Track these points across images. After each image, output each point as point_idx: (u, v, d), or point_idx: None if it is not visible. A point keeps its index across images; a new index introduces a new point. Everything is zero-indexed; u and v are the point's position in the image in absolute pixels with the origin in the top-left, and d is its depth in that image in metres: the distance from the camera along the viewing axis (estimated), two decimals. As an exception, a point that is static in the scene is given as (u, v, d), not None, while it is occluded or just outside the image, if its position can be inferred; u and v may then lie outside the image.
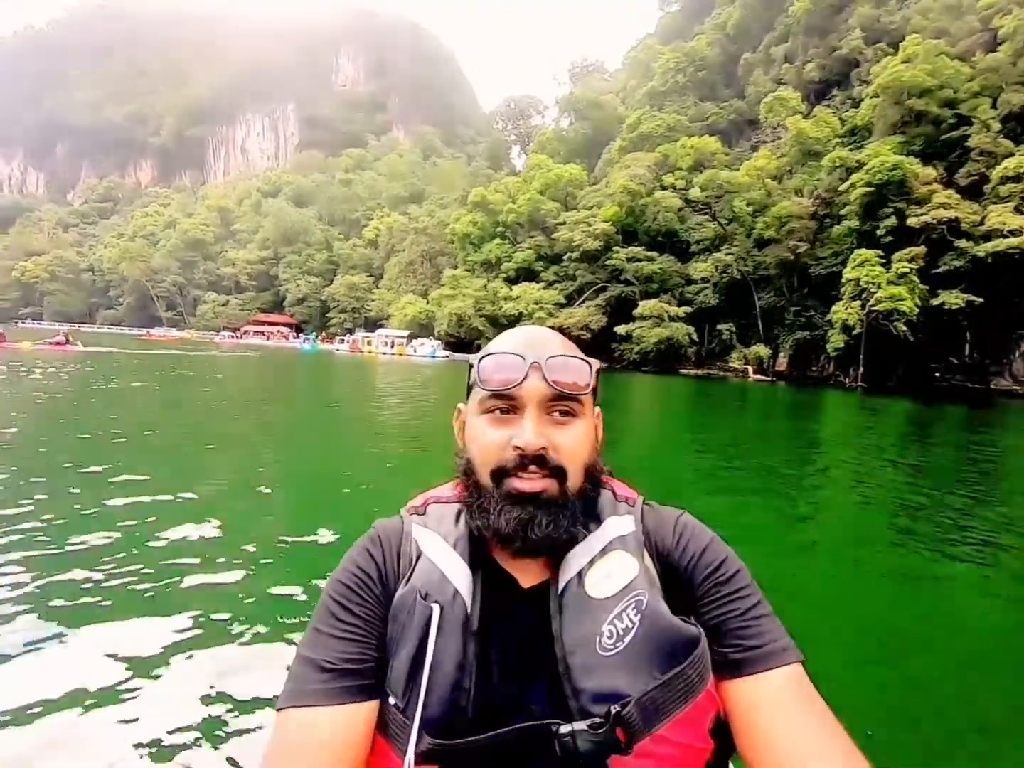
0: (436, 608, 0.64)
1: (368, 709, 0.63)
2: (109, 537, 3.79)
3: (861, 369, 42.27)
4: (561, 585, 0.67)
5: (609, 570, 0.67)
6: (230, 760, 1.92)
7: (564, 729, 0.60)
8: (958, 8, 49.98)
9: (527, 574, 0.70)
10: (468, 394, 0.75)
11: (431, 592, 0.65)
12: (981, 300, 37.10)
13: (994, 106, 41.81)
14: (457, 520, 0.73)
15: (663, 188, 53.30)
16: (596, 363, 0.71)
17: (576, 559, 0.68)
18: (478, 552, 0.70)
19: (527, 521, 0.64)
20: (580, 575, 0.67)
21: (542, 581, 0.70)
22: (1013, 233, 35.48)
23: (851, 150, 45.18)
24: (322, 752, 0.59)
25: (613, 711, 0.59)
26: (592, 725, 0.60)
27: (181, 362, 25.77)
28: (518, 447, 0.65)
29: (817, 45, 60.72)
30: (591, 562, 0.68)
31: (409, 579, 0.68)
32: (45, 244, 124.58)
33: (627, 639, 0.62)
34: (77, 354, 25.34)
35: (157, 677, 2.33)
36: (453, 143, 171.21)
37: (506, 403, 0.68)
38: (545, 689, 0.64)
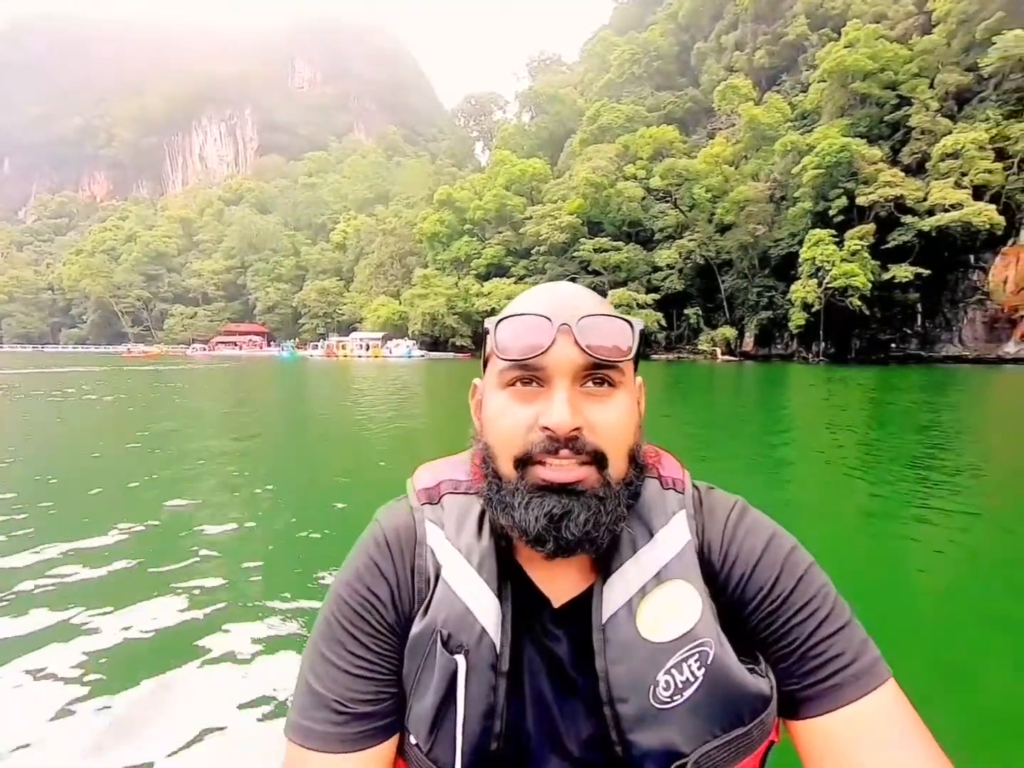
0: (462, 660, 0.56)
1: (386, 748, 0.58)
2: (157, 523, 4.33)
3: (822, 344, 44.12)
4: (606, 615, 0.57)
5: (667, 605, 0.57)
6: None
7: None
8: (895, -8, 52.01)
9: (561, 588, 0.61)
10: (484, 367, 0.64)
11: (453, 633, 0.57)
12: (929, 272, 39.06)
13: (932, 86, 43.82)
14: (480, 524, 0.62)
15: (625, 179, 54.39)
16: (639, 323, 0.59)
17: (624, 583, 0.58)
18: (504, 567, 0.60)
19: (561, 517, 0.54)
20: (630, 606, 0.57)
21: (578, 595, 0.60)
22: (954, 207, 37.40)
23: (802, 134, 46.87)
24: None
25: None
26: None
27: (176, 377, 25.98)
28: (547, 427, 0.54)
29: (765, 32, 62.49)
30: (643, 590, 0.57)
31: (427, 610, 0.58)
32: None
33: (687, 693, 0.54)
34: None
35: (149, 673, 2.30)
36: (416, 142, 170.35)
37: (530, 374, 0.57)
38: (584, 726, 0.58)
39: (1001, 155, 38.91)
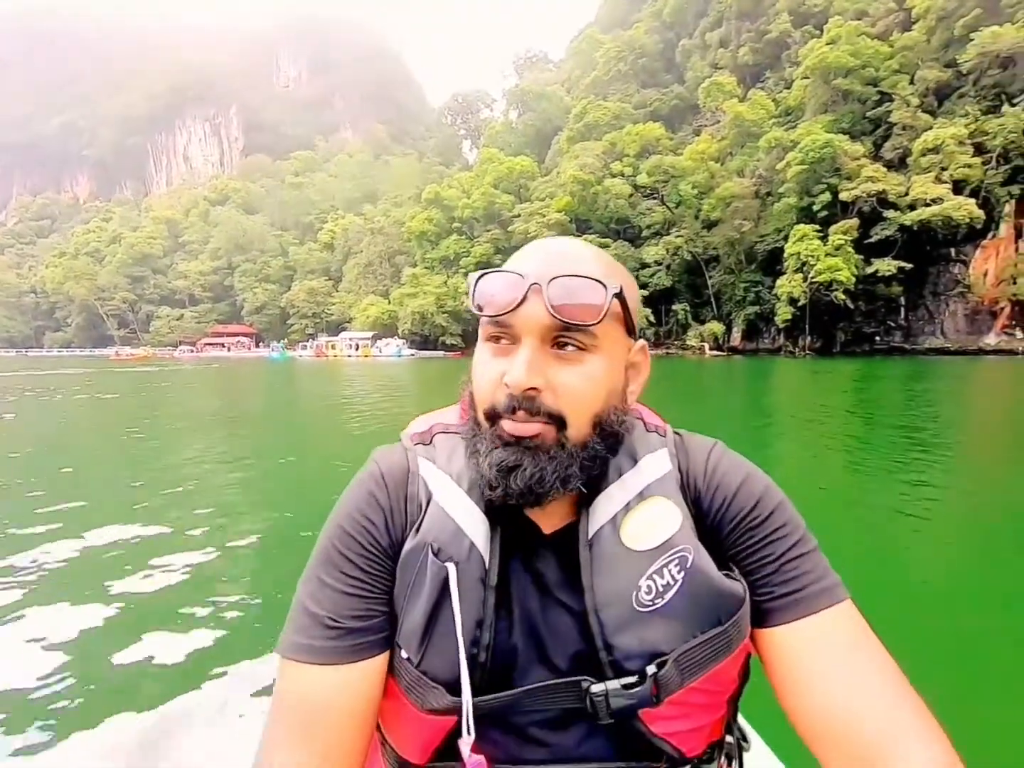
0: (452, 567, 0.59)
1: (379, 662, 0.60)
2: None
3: (808, 338, 44.70)
4: (591, 531, 0.61)
5: (649, 519, 0.60)
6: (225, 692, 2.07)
7: (597, 688, 0.57)
8: (876, -11, 52.63)
9: (549, 517, 0.63)
10: (478, 318, 0.64)
11: (444, 547, 0.60)
12: (911, 266, 39.71)
13: (912, 82, 44.49)
14: (468, 456, 0.64)
15: (612, 176, 54.68)
16: (615, 286, 0.56)
17: (609, 502, 0.61)
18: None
19: (511, 468, 0.56)
20: (614, 521, 0.60)
21: (566, 524, 0.63)
22: (935, 201, 38.03)
23: (786, 130, 47.37)
24: (332, 710, 0.58)
25: (650, 671, 0.57)
26: (627, 685, 0.57)
27: (170, 377, 26.07)
28: (507, 385, 0.56)
29: (749, 29, 63.00)
30: (627, 506, 0.61)
31: (419, 529, 0.61)
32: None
33: (667, 596, 0.58)
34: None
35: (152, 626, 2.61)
36: (403, 140, 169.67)
37: (501, 331, 0.58)
38: (571, 643, 0.60)
39: (980, 150, 39.64)
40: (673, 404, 12.95)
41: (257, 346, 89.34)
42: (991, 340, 41.12)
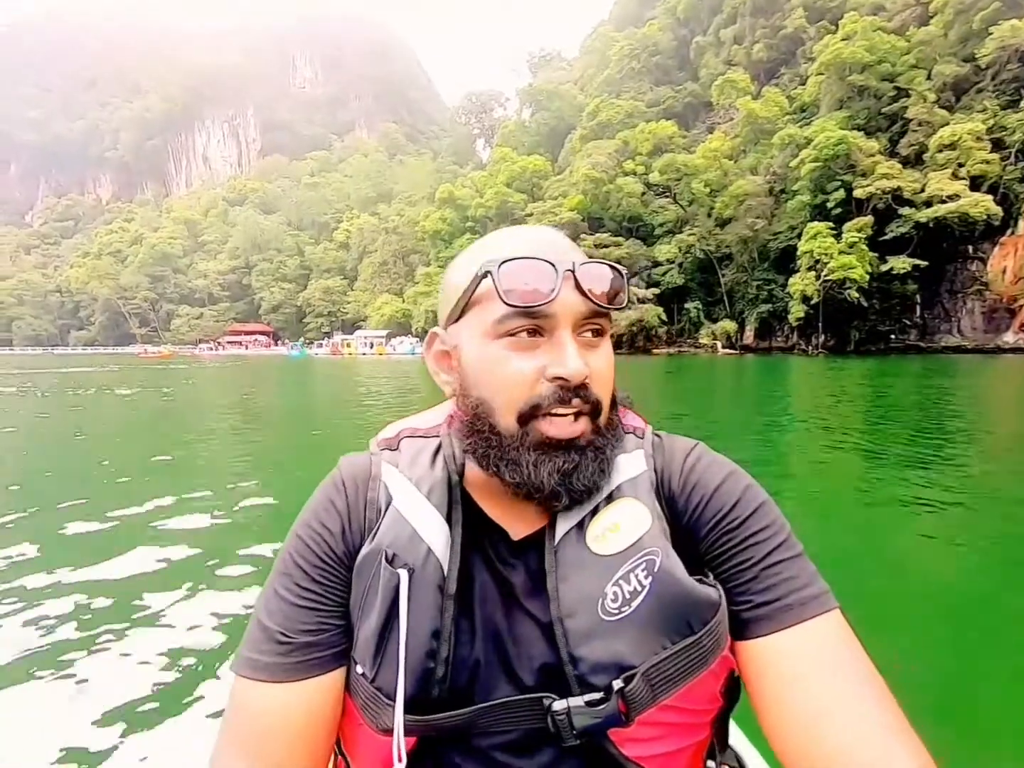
0: (404, 574, 0.55)
1: (331, 679, 0.57)
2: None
3: (821, 336, 44.48)
4: (558, 536, 0.57)
5: (616, 521, 0.56)
6: (182, 716, 1.98)
7: (559, 705, 0.53)
8: (893, -17, 52.04)
9: (519, 523, 0.60)
10: (461, 313, 0.58)
11: (399, 552, 0.56)
12: (927, 264, 39.34)
13: (929, 77, 43.98)
14: (434, 459, 0.61)
15: (625, 174, 54.77)
16: (623, 270, 0.57)
17: (577, 506, 0.57)
18: (459, 499, 0.59)
19: (571, 472, 0.53)
20: (581, 525, 0.57)
21: (536, 531, 0.59)
22: (951, 198, 37.65)
23: (800, 126, 47.10)
24: (281, 729, 0.55)
25: (616, 686, 0.52)
26: (591, 702, 0.53)
27: (204, 373, 27.44)
28: (560, 377, 0.52)
29: (764, 25, 62.56)
30: (595, 510, 0.57)
31: (375, 535, 0.58)
32: (8, 268, 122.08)
33: (635, 603, 0.53)
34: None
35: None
36: (417, 140, 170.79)
37: (534, 323, 0.53)
38: (536, 653, 0.56)
39: (998, 145, 39.12)
40: (681, 400, 13.31)
41: (276, 344, 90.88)
42: (1009, 338, 40.57)
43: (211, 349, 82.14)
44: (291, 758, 0.55)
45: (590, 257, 0.56)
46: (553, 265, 0.53)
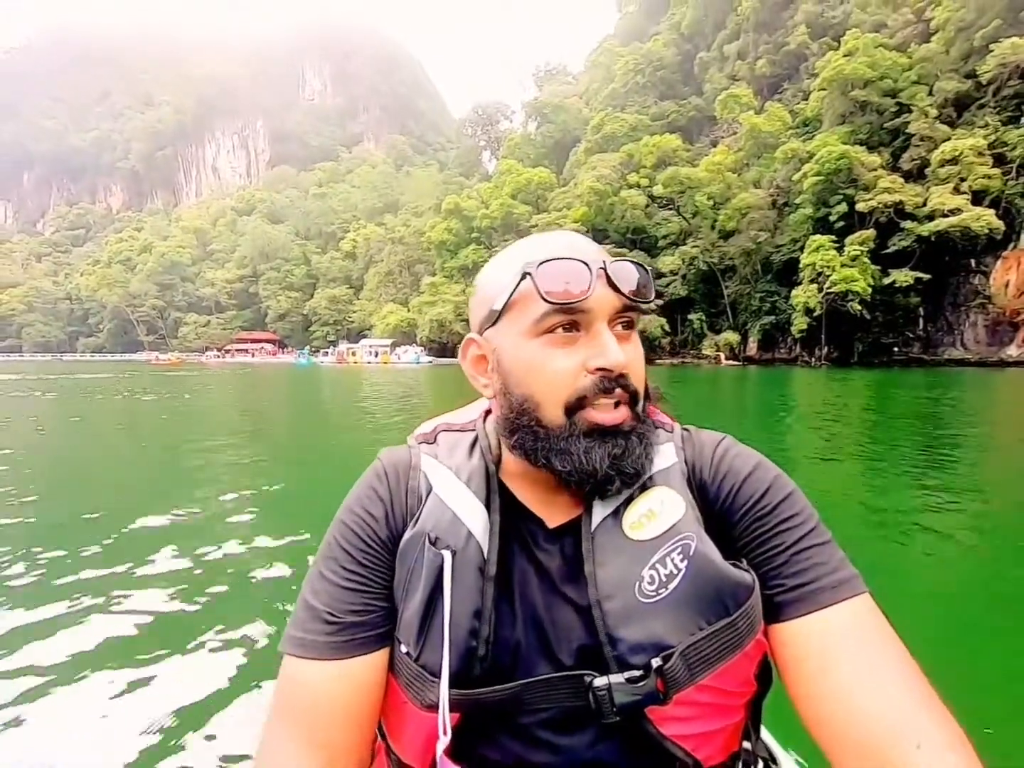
0: (448, 555, 0.57)
1: (377, 657, 0.60)
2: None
3: (824, 348, 44.62)
4: (595, 523, 0.59)
5: (651, 508, 0.59)
6: (232, 702, 2.03)
7: (599, 682, 0.55)
8: (894, 1, 52.70)
9: (555, 512, 0.62)
10: (498, 317, 0.60)
11: (441, 536, 0.59)
12: (929, 277, 39.53)
13: (931, 93, 44.40)
14: (472, 450, 0.65)
15: (629, 187, 55.32)
16: (648, 267, 0.60)
17: (611, 494, 0.59)
18: (496, 488, 0.62)
19: (621, 456, 0.56)
20: (616, 513, 0.59)
21: (572, 519, 0.62)
22: (953, 212, 37.90)
23: (803, 141, 47.54)
24: (331, 705, 0.57)
25: (655, 664, 0.54)
26: (631, 679, 0.54)
27: (216, 380, 27.90)
28: (602, 368, 0.55)
29: (767, 41, 63.33)
30: (629, 499, 0.60)
31: (418, 520, 0.61)
32: (19, 275, 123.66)
33: (671, 586, 0.55)
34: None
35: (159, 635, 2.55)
36: (425, 151, 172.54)
37: (571, 319, 0.56)
38: (575, 636, 0.58)
39: (1000, 160, 39.40)
40: (685, 411, 13.54)
41: (282, 352, 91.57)
42: (1013, 351, 40.59)
43: (217, 356, 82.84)
44: (340, 733, 0.57)
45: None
46: (587, 264, 0.55)
